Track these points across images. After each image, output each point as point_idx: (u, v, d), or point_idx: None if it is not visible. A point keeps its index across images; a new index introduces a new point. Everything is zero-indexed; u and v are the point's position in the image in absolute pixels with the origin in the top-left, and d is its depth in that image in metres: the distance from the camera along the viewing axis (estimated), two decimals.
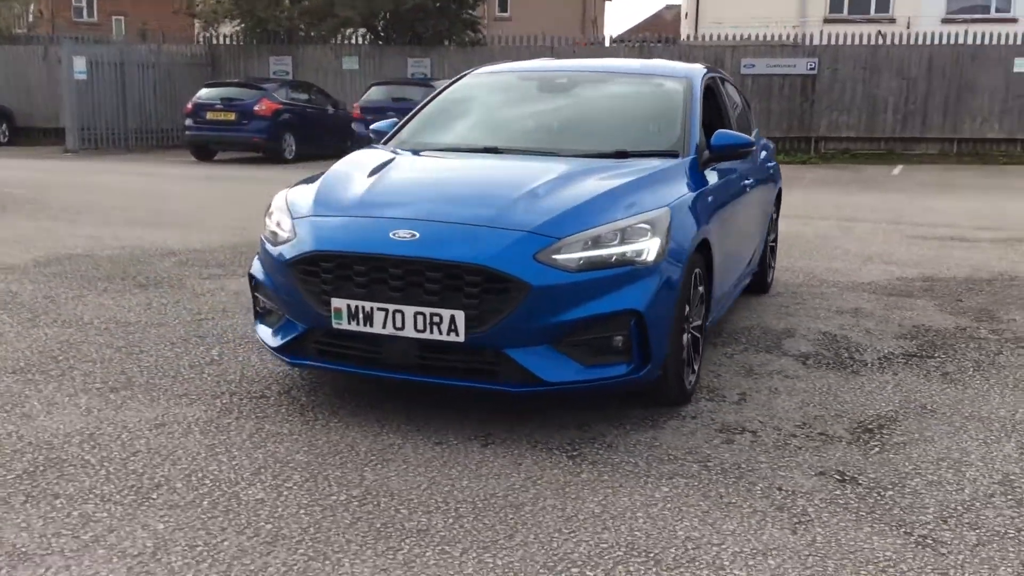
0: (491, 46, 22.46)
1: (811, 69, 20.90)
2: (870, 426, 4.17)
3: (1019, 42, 20.60)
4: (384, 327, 3.85)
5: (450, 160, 4.91)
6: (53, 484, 3.43)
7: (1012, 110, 20.43)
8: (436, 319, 3.77)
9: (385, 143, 5.38)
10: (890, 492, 3.48)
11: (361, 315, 3.87)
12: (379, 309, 3.84)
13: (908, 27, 25.63)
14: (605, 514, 3.25)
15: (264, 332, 4.35)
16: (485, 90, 5.79)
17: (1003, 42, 20.48)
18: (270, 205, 4.57)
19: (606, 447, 3.87)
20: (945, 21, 26.81)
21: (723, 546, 3.04)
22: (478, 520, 3.19)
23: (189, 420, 4.11)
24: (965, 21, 26.34)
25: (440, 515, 3.23)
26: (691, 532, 3.13)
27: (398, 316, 3.82)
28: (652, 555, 2.97)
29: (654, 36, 24.98)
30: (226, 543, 3.02)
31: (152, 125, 22.00)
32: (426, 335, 3.80)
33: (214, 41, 23.67)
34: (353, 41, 23.39)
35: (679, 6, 57.40)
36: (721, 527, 3.17)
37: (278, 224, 4.29)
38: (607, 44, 23.89)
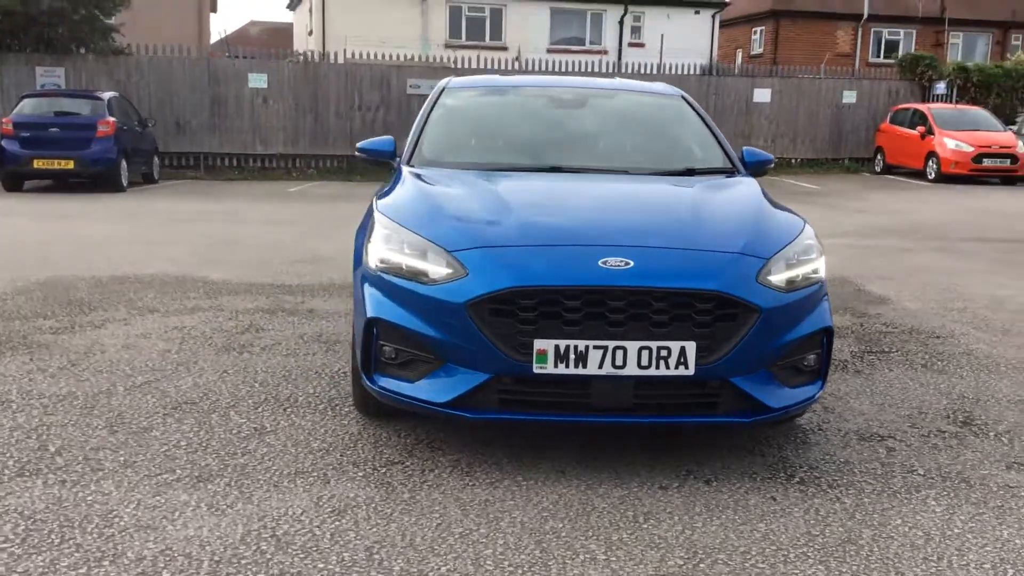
0: (136, 56, 20.51)
1: None
2: (962, 419, 4.53)
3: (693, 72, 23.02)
4: (601, 367, 3.48)
5: (550, 182, 4.50)
6: None
7: None
8: (664, 353, 3.48)
9: (408, 163, 4.79)
10: None
11: (572, 356, 3.47)
12: (596, 347, 3.46)
13: (519, 55, 27.54)
14: (935, 536, 3.24)
15: (406, 387, 3.71)
16: (491, 107, 5.39)
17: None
18: (371, 236, 3.91)
19: (808, 468, 3.83)
20: (550, 51, 29.22)
21: None
22: (847, 564, 3.02)
23: (362, 501, 3.43)
24: (566, 51, 28.98)
25: (801, 563, 3.01)
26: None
27: (619, 353, 3.47)
28: None
29: (271, 51, 24.23)
30: None
31: None
32: (651, 371, 3.49)
33: None
34: None
35: (264, 23, 56.52)
36: None
37: (421, 258, 3.68)
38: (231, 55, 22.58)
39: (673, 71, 23.08)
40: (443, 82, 5.56)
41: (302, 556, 2.99)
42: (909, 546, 3.15)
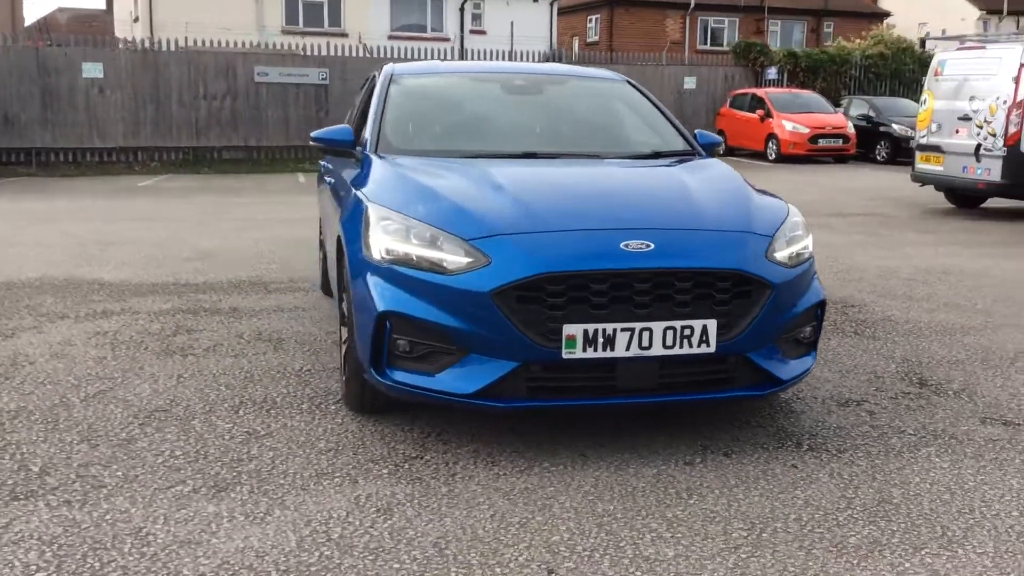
0: None
1: (323, 79, 21.21)
2: (917, 381, 4.82)
3: (527, 59, 23.18)
4: (628, 349, 3.52)
5: (535, 168, 4.46)
6: None
7: None
8: (687, 332, 3.56)
9: (376, 151, 4.64)
10: None
11: (601, 339, 3.49)
12: (623, 330, 3.50)
13: (360, 41, 27.20)
14: (956, 491, 3.45)
15: (425, 380, 3.63)
16: (447, 93, 5.28)
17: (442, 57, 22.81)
18: (369, 226, 3.79)
19: (809, 435, 3.99)
20: (391, 37, 28.96)
21: None
22: (895, 523, 3.18)
23: (402, 498, 3.34)
24: (407, 38, 28.79)
25: (854, 525, 3.15)
26: None
27: (645, 334, 3.52)
28: None
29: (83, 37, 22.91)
30: None
31: None
32: (675, 350, 3.56)
33: None
34: None
35: (73, 9, 53.44)
36: None
37: (433, 247, 3.60)
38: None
39: (518, 59, 23.22)
40: (387, 69, 5.41)
41: (372, 558, 2.89)
42: (939, 501, 3.33)
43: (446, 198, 3.89)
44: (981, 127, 11.91)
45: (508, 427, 3.98)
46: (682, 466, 3.64)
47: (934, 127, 12.75)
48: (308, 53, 21.36)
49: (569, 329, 3.46)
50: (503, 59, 23.10)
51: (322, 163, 6.60)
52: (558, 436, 3.90)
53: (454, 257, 3.57)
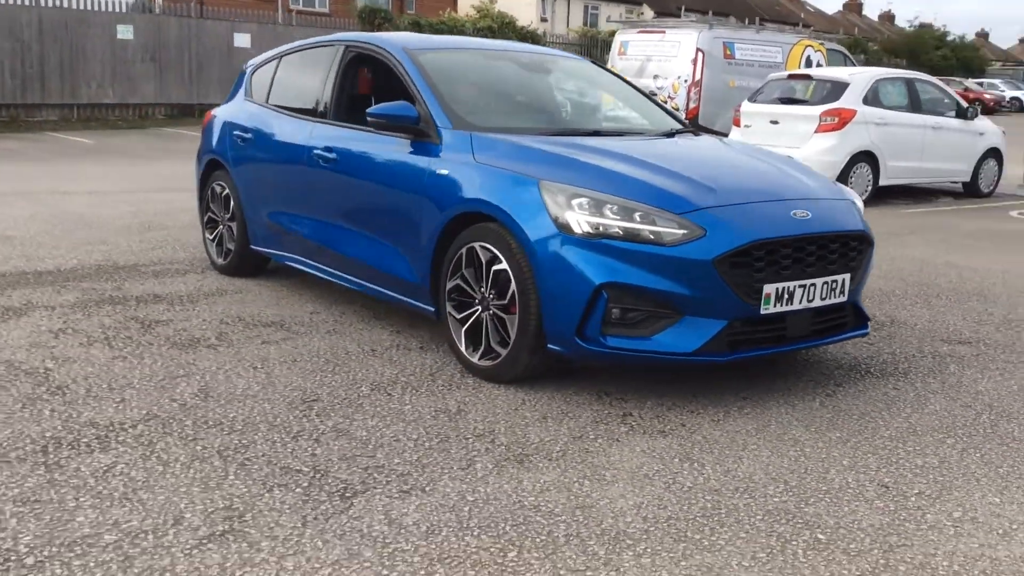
0: None
1: None
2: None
3: (121, 9, 21.40)
4: (800, 302, 4.23)
5: (646, 144, 4.91)
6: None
7: (121, 76, 21.21)
8: (834, 285, 4.35)
9: (455, 128, 4.71)
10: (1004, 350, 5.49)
11: (786, 296, 4.17)
12: (799, 286, 4.21)
13: None
14: (1018, 391, 4.60)
15: (642, 344, 4.04)
16: (479, 71, 5.38)
17: (107, 8, 20.97)
18: (553, 201, 4.08)
19: (865, 365, 4.96)
20: None
21: None
22: (1020, 421, 4.25)
23: (677, 450, 3.76)
24: None
25: (997, 426, 4.16)
26: None
27: (812, 289, 4.26)
28: None
29: None
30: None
31: None
32: (826, 301, 4.33)
33: None
34: None
35: None
36: None
37: (636, 220, 4.01)
38: None
39: (110, 8, 21.30)
40: (389, 40, 5.35)
41: (747, 497, 3.32)
42: (1020, 404, 4.44)
43: (619, 174, 4.28)
44: (665, 103, 13.78)
45: (650, 383, 4.44)
46: (825, 399, 4.41)
47: None
48: None
49: (767, 288, 4.07)
50: (111, 9, 21.00)
51: (243, 135, 6.23)
52: (699, 387, 4.44)
53: (669, 229, 3.99)
